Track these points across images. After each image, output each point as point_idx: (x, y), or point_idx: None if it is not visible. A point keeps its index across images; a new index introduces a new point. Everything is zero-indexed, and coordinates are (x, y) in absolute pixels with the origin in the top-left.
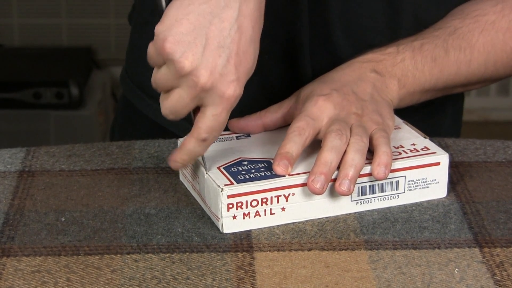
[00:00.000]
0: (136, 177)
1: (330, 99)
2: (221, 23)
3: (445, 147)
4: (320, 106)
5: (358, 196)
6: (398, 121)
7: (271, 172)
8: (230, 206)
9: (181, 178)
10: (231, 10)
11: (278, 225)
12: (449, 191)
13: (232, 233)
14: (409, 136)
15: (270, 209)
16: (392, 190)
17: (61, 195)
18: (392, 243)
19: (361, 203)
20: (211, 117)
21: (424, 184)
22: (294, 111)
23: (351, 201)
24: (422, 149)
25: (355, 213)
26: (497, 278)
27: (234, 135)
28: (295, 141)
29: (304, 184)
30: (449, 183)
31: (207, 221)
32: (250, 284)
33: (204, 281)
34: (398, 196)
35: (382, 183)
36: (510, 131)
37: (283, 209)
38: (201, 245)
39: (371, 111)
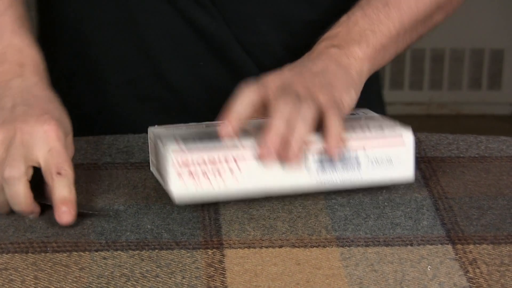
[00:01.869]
0: (105, 172)
1: (281, 74)
2: None
3: (417, 142)
4: (269, 77)
5: (317, 167)
6: (373, 114)
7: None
8: (178, 165)
9: (151, 168)
10: None
11: (249, 221)
12: (415, 173)
13: (202, 230)
14: (380, 123)
15: (218, 170)
16: (352, 166)
17: None
18: (364, 240)
19: (321, 172)
20: None
21: (387, 161)
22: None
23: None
24: (387, 130)
25: (326, 207)
26: (470, 275)
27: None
28: (241, 101)
29: (254, 151)
30: (415, 165)
31: (177, 217)
32: (220, 282)
33: (173, 279)
34: (359, 169)
35: (341, 160)
36: (482, 125)
37: (232, 171)
38: (170, 242)
39: (324, 85)
